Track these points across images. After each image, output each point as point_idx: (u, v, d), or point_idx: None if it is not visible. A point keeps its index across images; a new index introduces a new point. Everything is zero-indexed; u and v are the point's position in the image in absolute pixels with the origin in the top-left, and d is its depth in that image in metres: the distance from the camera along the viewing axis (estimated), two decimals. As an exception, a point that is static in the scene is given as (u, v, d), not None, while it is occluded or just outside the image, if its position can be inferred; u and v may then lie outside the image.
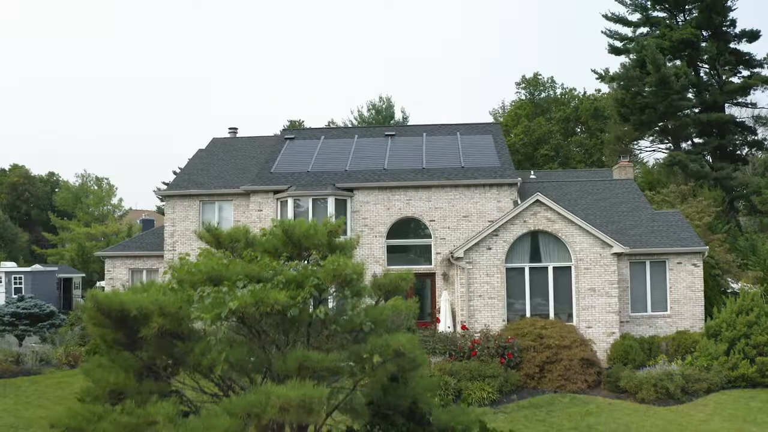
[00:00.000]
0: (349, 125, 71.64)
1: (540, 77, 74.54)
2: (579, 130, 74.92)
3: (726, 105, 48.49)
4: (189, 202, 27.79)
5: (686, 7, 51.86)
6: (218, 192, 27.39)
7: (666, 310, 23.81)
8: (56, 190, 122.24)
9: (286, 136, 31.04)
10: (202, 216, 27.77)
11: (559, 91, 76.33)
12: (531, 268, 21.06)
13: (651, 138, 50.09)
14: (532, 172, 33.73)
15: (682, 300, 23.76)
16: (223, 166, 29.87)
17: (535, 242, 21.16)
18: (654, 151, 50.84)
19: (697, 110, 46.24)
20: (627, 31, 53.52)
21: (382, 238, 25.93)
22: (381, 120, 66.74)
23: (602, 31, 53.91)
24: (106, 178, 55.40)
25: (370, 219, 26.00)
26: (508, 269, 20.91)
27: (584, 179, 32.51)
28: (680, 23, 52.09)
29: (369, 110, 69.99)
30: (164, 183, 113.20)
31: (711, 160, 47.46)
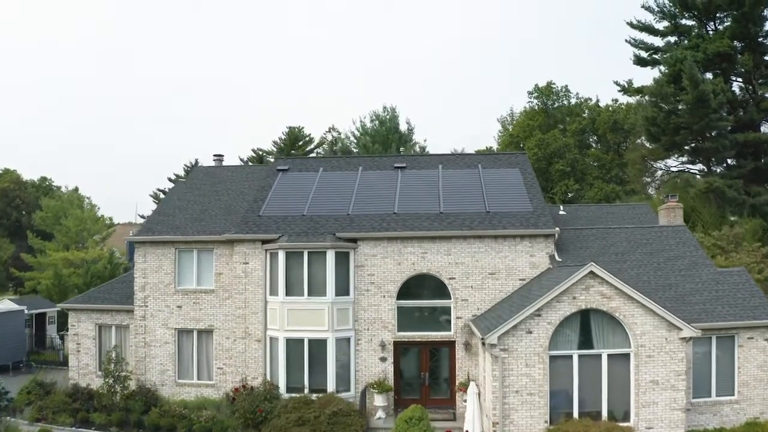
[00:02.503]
0: (351, 138, 67.48)
1: (554, 86, 70.25)
2: (594, 141, 70.70)
3: (762, 123, 44.29)
4: (163, 250, 23.51)
5: (717, 15, 47.56)
6: (197, 239, 23.12)
7: (733, 394, 19.72)
8: (47, 195, 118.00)
9: (279, 167, 26.72)
10: (178, 266, 23.49)
11: (573, 101, 72.09)
12: (580, 357, 16.82)
13: (680, 158, 45.77)
14: (561, 207, 29.45)
15: (752, 382, 19.67)
16: (205, 203, 25.57)
17: (585, 324, 16.93)
18: (682, 171, 46.46)
19: (729, 128, 41.94)
20: (654, 40, 49.23)
21: (392, 299, 21.67)
22: (385, 132, 62.47)
23: (627, 40, 49.65)
24: (88, 197, 51.13)
25: (378, 275, 21.73)
26: (551, 358, 16.68)
27: (627, 221, 28.32)
28: (710, 32, 47.80)
29: (372, 120, 65.68)
30: (157, 191, 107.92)
31: (743, 183, 43.17)
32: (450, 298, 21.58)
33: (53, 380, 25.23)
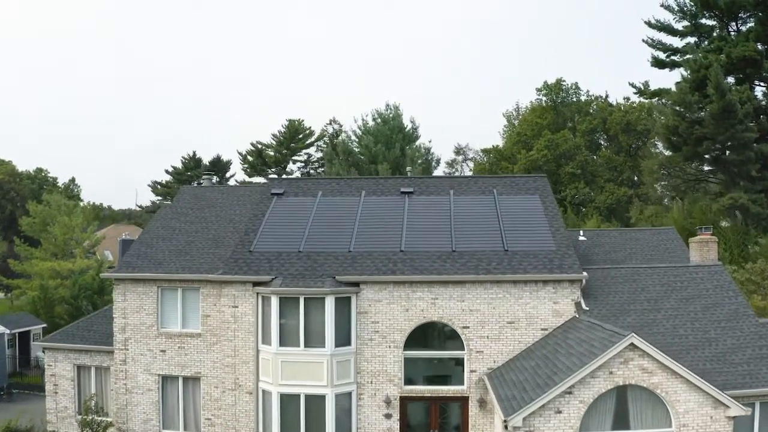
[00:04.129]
0: (353, 136, 64.98)
1: (563, 83, 67.64)
2: (604, 141, 68.20)
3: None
4: (144, 288, 21.26)
5: (740, 15, 45.00)
6: (181, 278, 20.87)
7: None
8: (44, 187, 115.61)
9: (273, 191, 24.36)
10: (161, 306, 21.26)
11: (583, 98, 69.50)
12: (617, 439, 14.61)
13: (700, 167, 43.38)
14: (581, 232, 27.14)
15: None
16: (192, 232, 23.26)
17: (621, 400, 14.71)
18: (700, 180, 44.06)
19: (753, 137, 39.51)
20: (672, 41, 46.74)
21: (398, 350, 19.44)
22: (388, 132, 60.00)
23: (644, 41, 47.19)
24: (75, 203, 48.80)
25: (383, 323, 19.48)
26: (583, 440, 14.46)
27: (652, 248, 26.15)
28: (732, 33, 45.29)
29: (375, 119, 63.19)
30: (155, 183, 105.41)
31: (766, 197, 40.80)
32: (463, 350, 19.35)
33: (29, 425, 23.13)
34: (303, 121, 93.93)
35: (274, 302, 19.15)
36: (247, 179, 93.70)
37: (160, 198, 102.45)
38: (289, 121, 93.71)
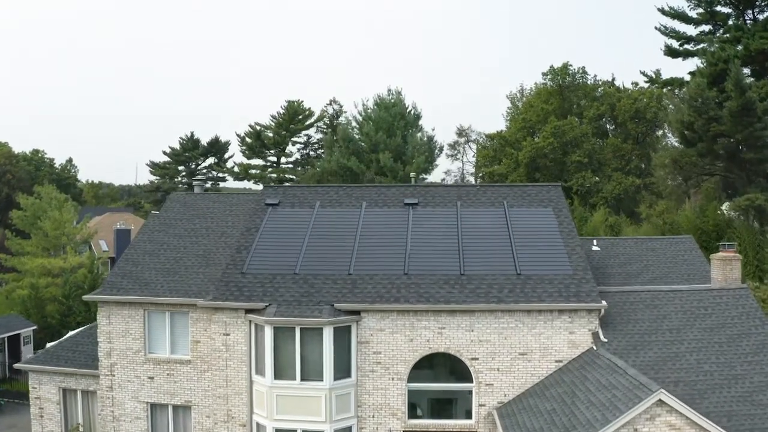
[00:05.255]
0: (354, 122, 63.21)
1: (570, 67, 65.64)
2: (611, 127, 66.38)
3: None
4: (130, 312, 19.89)
5: (756, 3, 43.06)
6: (169, 302, 19.47)
7: None
8: (40, 169, 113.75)
9: (268, 201, 22.82)
10: (148, 331, 19.90)
11: (590, 81, 67.51)
12: (642, 502, 13.29)
13: (715, 162, 41.77)
14: (594, 241, 25.70)
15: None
16: (180, 248, 21.77)
17: (649, 459, 13.37)
18: (712, 175, 42.47)
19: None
20: (686, 29, 44.79)
21: (402, 382, 18.10)
22: (390, 119, 58.25)
23: (657, 28, 45.23)
24: (67, 196, 47.26)
25: (386, 353, 18.12)
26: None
27: (669, 259, 24.83)
28: (749, 22, 43.36)
29: (377, 103, 61.38)
30: (152, 163, 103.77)
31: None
32: (471, 382, 18.02)
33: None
34: (302, 102, 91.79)
35: (268, 332, 17.76)
36: (246, 161, 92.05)
37: (158, 178, 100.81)
38: (288, 102, 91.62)
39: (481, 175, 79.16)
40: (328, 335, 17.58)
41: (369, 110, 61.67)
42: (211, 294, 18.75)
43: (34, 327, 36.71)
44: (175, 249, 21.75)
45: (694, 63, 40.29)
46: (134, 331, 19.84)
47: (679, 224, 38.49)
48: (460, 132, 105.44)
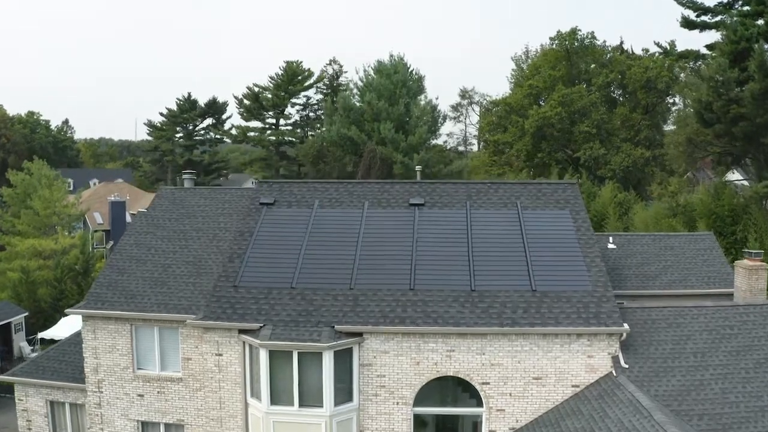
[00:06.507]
0: (355, 90, 61.11)
1: (579, 32, 63.04)
2: (620, 97, 64.13)
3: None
4: (116, 326, 18.59)
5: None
6: (157, 318, 18.14)
7: None
8: (36, 132, 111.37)
9: (263, 200, 21.24)
10: (136, 346, 18.64)
11: (600, 46, 64.92)
12: None
13: (732, 143, 39.95)
14: (610, 239, 24.28)
15: None
16: (169, 254, 20.30)
17: None
18: (730, 154, 40.68)
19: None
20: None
21: (407, 407, 16.90)
22: (392, 87, 56.26)
23: (675, -3, 42.73)
24: (57, 171, 45.65)
25: (390, 377, 16.87)
26: None
27: (689, 258, 23.65)
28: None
29: (377, 71, 59.20)
30: (150, 122, 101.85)
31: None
32: (482, 407, 16.83)
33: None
34: (301, 62, 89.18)
35: (264, 355, 16.47)
36: (244, 123, 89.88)
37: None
38: (287, 62, 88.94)
39: (484, 140, 77.26)
40: (328, 359, 16.29)
41: (370, 77, 59.51)
42: (202, 311, 17.38)
43: (26, 313, 35.58)
44: (163, 254, 20.31)
45: (711, 36, 37.96)
46: (121, 347, 18.58)
47: (693, 206, 37.00)
48: (464, 94, 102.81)
